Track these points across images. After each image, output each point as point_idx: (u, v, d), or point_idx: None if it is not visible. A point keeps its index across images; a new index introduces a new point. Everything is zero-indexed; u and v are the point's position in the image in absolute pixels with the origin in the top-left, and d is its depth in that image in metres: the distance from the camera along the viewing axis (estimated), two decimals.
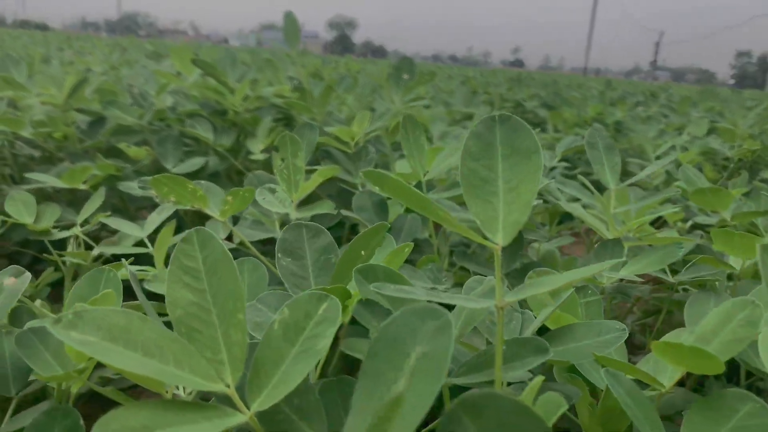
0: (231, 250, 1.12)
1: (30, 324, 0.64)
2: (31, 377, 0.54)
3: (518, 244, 0.87)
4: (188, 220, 1.31)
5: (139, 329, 0.36)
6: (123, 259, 0.69)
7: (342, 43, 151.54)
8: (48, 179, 1.22)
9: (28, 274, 0.51)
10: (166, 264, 0.92)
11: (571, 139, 1.60)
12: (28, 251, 1.42)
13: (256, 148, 1.39)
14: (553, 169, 1.59)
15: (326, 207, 0.93)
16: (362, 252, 0.50)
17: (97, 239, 1.23)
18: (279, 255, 0.54)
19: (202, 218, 1.35)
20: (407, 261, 1.01)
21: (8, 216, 1.13)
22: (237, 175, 1.59)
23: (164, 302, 0.48)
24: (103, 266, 0.53)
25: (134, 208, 1.47)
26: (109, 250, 0.97)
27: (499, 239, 0.42)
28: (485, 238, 0.42)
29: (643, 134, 2.11)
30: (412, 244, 0.61)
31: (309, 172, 1.00)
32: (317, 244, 0.56)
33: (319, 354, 0.38)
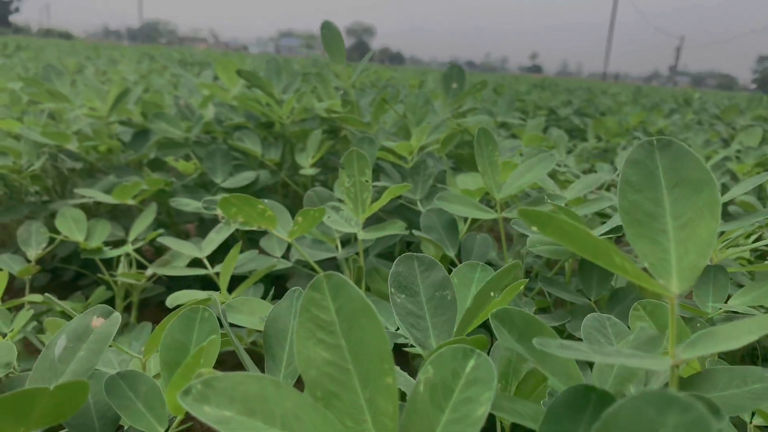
0: (287, 269, 1.08)
1: (108, 358, 0.60)
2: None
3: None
4: (239, 236, 1.27)
5: (275, 398, 0.31)
6: (213, 296, 0.64)
7: (360, 49, 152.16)
8: (97, 195, 1.18)
9: (117, 315, 0.46)
10: (230, 289, 0.87)
11: None
12: (71, 267, 1.39)
13: (306, 162, 1.34)
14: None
15: (397, 227, 0.87)
16: (492, 293, 0.44)
17: (145, 257, 1.19)
18: (392, 290, 0.49)
19: (251, 236, 1.31)
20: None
21: (58, 233, 1.09)
22: (283, 188, 1.55)
23: (237, 332, 0.43)
24: (195, 305, 0.48)
25: (181, 223, 1.43)
26: (165, 272, 0.92)
27: (674, 286, 0.36)
28: (654, 283, 0.36)
29: (693, 144, 2.03)
30: (526, 280, 0.55)
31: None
32: (431, 278, 0.50)
33: (477, 425, 0.33)
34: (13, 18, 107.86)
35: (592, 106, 3.78)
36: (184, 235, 1.43)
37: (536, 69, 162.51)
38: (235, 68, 1.51)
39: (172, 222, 1.39)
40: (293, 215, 1.45)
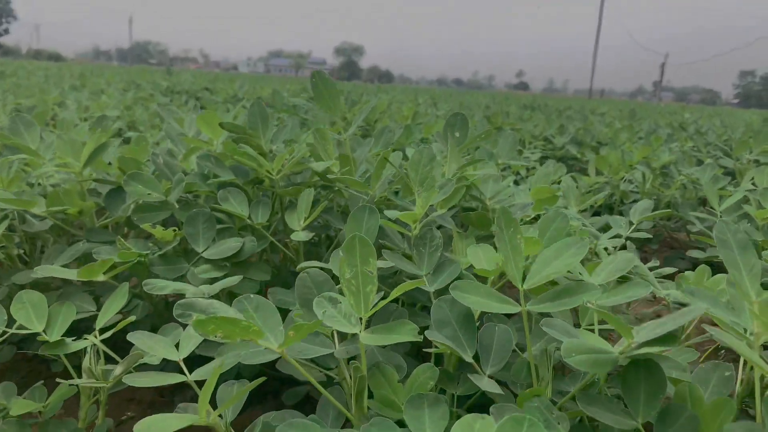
0: (274, 362, 0.94)
1: None
2: None
3: (659, 381, 0.69)
4: None
5: None
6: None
7: (349, 68, 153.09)
8: (60, 272, 1.05)
9: None
10: (213, 404, 0.74)
11: (646, 205, 1.42)
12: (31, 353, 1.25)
13: (297, 224, 1.22)
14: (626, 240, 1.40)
15: (407, 332, 0.74)
16: None
17: (117, 347, 1.05)
18: None
19: None
20: (498, 381, 0.83)
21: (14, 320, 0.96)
22: (272, 250, 1.42)
23: None
24: None
25: (161, 297, 1.30)
26: (135, 382, 0.79)
27: None
28: None
29: (707, 185, 1.93)
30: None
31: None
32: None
33: None
34: (3, 39, 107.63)
35: (588, 134, 3.70)
36: (163, 306, 1.30)
37: (523, 86, 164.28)
38: (217, 121, 1.40)
39: (150, 297, 1.26)
40: (283, 283, 1.32)
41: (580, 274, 0.93)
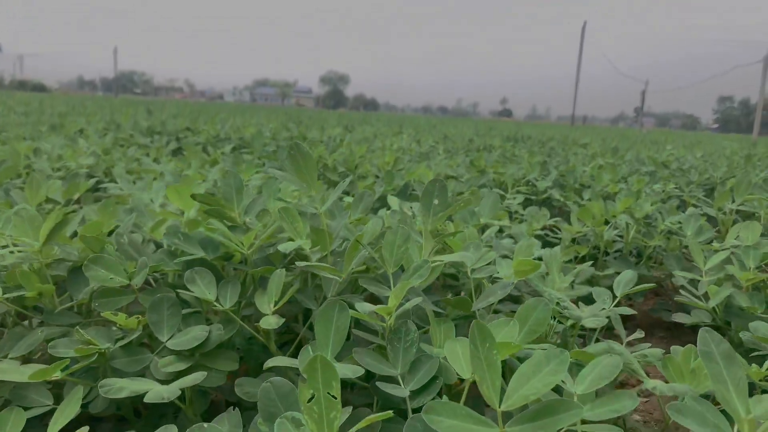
0: None
1: None
2: None
3: None
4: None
5: None
6: None
7: (335, 97, 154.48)
8: (9, 374, 0.98)
9: None
10: None
11: (630, 276, 1.39)
12: None
13: (267, 308, 1.16)
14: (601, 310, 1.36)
15: None
16: None
17: None
18: None
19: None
20: None
21: None
22: (240, 336, 1.36)
23: None
24: None
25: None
26: None
27: None
28: None
29: (692, 241, 1.90)
30: None
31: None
32: None
33: None
34: None
35: (571, 176, 3.71)
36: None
37: (507, 113, 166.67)
38: (189, 192, 1.35)
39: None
40: (249, 372, 1.26)
41: (563, 382, 0.88)
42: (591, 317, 1.21)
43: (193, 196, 1.31)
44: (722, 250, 1.90)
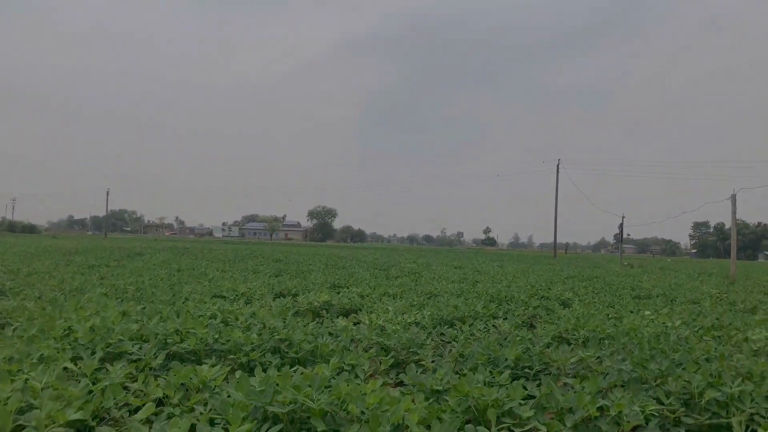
0: None
1: None
2: None
3: None
4: None
5: None
6: None
7: (322, 230, 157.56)
8: None
9: None
10: None
11: None
12: None
13: None
14: None
15: None
16: None
17: None
18: None
19: None
20: None
21: None
22: None
23: None
24: None
25: None
26: None
27: None
28: None
29: None
30: None
31: None
32: None
33: None
34: None
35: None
36: None
37: (490, 242, 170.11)
38: None
39: None
40: None
41: None
42: None
43: None
44: None
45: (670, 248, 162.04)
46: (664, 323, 6.72)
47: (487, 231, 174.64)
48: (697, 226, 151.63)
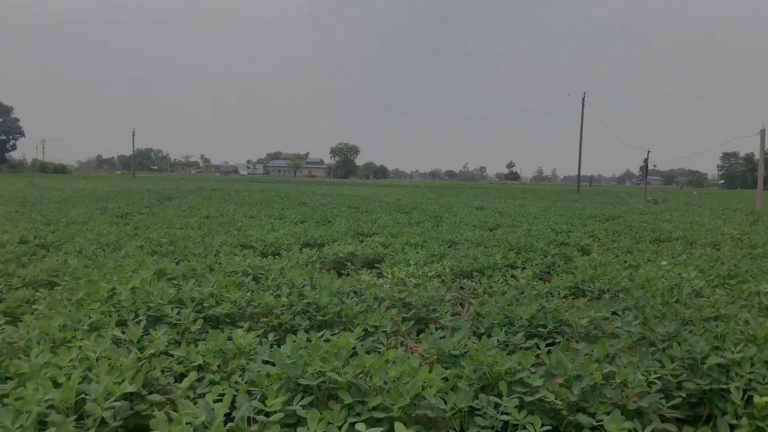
0: None
1: None
2: None
3: None
4: None
5: None
6: None
7: (345, 167, 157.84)
8: None
9: None
10: None
11: None
12: None
13: None
14: None
15: None
16: None
17: None
18: None
19: None
20: None
21: None
22: None
23: None
24: None
25: None
26: None
27: None
28: None
29: None
30: None
31: None
32: None
33: None
34: (10, 155, 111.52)
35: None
36: None
37: (513, 176, 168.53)
38: None
39: None
40: None
41: None
42: None
43: None
44: None
45: (697, 179, 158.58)
46: (679, 274, 6.85)
47: (510, 165, 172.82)
48: (726, 156, 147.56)
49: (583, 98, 52.54)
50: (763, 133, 22.80)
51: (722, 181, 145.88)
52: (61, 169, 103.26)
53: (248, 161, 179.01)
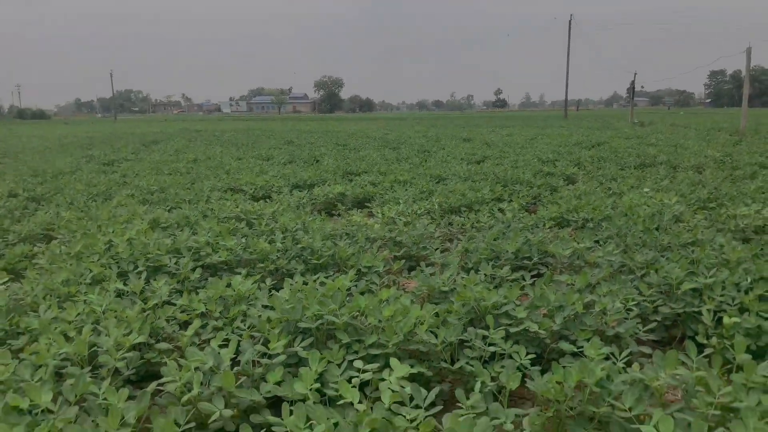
0: None
1: None
2: None
3: None
4: None
5: None
6: None
7: (330, 101, 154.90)
8: None
9: None
10: None
11: None
12: None
13: None
14: None
15: None
16: None
17: None
18: None
19: None
20: None
21: None
22: None
23: None
24: None
25: None
26: None
27: None
28: None
29: None
30: None
31: None
32: None
33: None
34: None
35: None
36: None
37: (501, 104, 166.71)
38: None
39: None
40: None
41: None
42: None
43: None
44: None
45: (683, 99, 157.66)
46: (661, 200, 7.04)
47: (498, 92, 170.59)
48: (713, 75, 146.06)
49: (570, 21, 51.28)
50: (749, 51, 22.61)
51: (709, 100, 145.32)
52: (39, 115, 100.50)
53: (231, 98, 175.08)
